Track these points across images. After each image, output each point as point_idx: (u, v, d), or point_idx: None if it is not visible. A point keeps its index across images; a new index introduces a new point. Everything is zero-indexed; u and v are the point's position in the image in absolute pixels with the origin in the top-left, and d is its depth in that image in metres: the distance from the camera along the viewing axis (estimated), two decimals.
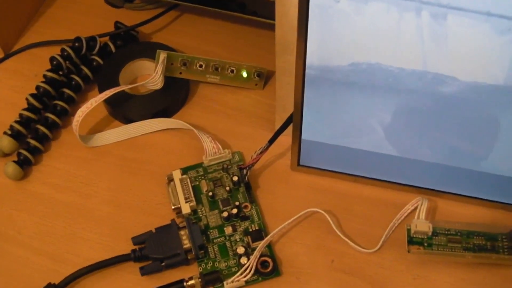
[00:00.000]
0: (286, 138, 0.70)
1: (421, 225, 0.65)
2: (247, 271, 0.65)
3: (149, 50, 0.80)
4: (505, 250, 0.65)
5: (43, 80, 0.78)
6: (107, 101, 0.76)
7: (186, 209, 0.69)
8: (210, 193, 0.70)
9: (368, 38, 0.55)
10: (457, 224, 0.66)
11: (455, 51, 0.54)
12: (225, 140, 0.75)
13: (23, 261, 0.68)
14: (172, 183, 0.71)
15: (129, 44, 0.84)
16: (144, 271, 0.66)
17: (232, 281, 0.65)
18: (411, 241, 0.66)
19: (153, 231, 0.68)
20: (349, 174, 0.70)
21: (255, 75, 0.78)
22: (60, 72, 0.79)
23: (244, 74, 0.78)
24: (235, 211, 0.69)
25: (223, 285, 0.65)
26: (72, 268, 0.66)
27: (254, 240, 0.67)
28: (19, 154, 0.74)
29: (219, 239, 0.68)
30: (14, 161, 0.73)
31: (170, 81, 0.78)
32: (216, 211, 0.70)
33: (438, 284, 0.65)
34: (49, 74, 0.78)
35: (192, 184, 0.71)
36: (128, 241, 0.68)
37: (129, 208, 0.71)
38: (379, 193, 0.71)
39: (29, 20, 0.88)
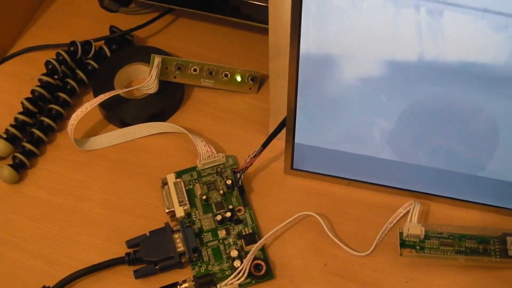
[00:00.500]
0: (279, 142, 0.70)
1: (414, 228, 0.66)
2: (241, 274, 0.65)
3: (144, 54, 0.80)
4: (497, 253, 0.65)
5: (39, 84, 0.78)
6: (102, 105, 0.76)
7: (180, 212, 0.69)
8: (204, 197, 0.70)
9: (364, 35, 0.55)
10: (449, 227, 0.67)
11: (452, 47, 0.54)
12: (219, 144, 0.76)
13: (18, 264, 0.68)
14: (166, 186, 0.71)
15: (124, 48, 0.84)
16: (138, 274, 0.66)
17: (226, 284, 0.65)
18: (403, 244, 0.66)
19: (147, 234, 0.68)
20: (342, 178, 0.71)
21: (249, 79, 0.79)
22: (56, 76, 0.80)
23: (238, 78, 0.79)
24: (228, 214, 0.69)
25: None
26: (67, 271, 0.67)
27: (247, 244, 0.68)
28: (14, 157, 0.74)
29: (212, 243, 0.68)
30: (9, 165, 0.73)
31: (164, 85, 0.78)
32: (210, 214, 0.70)
33: (430, 286, 0.66)
34: (45, 78, 0.78)
35: (186, 188, 0.71)
36: (122, 244, 0.68)
37: (124, 212, 0.71)
38: (372, 197, 0.71)
39: (25, 24, 0.88)
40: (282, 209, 0.70)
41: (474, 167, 0.65)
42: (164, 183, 0.71)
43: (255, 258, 0.66)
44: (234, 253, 0.67)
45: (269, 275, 0.66)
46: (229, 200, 0.71)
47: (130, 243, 0.68)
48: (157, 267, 0.66)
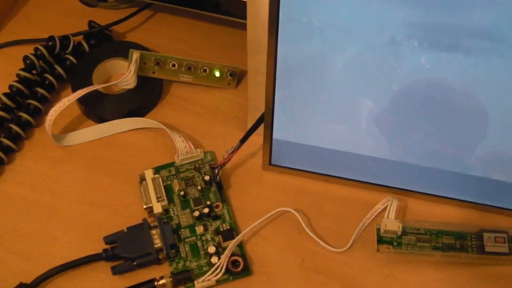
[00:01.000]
0: (258, 137, 0.70)
1: (391, 224, 0.66)
2: (218, 270, 0.65)
3: (122, 50, 0.80)
4: (474, 249, 0.65)
5: (17, 79, 0.78)
6: (80, 100, 0.76)
7: (157, 208, 0.69)
8: (182, 193, 0.70)
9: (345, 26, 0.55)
10: (426, 223, 0.67)
11: None
12: (198, 140, 0.76)
13: None
14: (144, 182, 0.71)
15: (103, 43, 0.84)
16: (115, 271, 0.66)
17: (203, 281, 0.65)
18: (380, 240, 0.66)
19: (125, 230, 0.68)
20: (320, 174, 0.71)
21: (228, 75, 0.79)
22: (34, 71, 0.79)
23: (217, 74, 0.78)
24: (206, 210, 0.69)
25: (194, 284, 0.65)
26: (45, 268, 0.66)
27: (225, 240, 0.67)
28: None
29: (190, 239, 0.68)
30: None
31: (143, 80, 0.78)
32: (188, 210, 0.70)
33: (408, 283, 0.66)
34: (22, 73, 0.78)
35: (164, 184, 0.71)
36: (100, 240, 0.68)
37: (102, 208, 0.71)
38: (350, 193, 0.71)
39: (3, 19, 0.88)
40: (260, 205, 0.70)
41: (452, 164, 0.65)
42: (142, 178, 0.71)
43: (232, 254, 0.66)
44: (211, 249, 0.66)
45: (247, 271, 0.66)
46: (207, 196, 0.71)
47: (108, 240, 0.68)
48: (134, 263, 0.66)
